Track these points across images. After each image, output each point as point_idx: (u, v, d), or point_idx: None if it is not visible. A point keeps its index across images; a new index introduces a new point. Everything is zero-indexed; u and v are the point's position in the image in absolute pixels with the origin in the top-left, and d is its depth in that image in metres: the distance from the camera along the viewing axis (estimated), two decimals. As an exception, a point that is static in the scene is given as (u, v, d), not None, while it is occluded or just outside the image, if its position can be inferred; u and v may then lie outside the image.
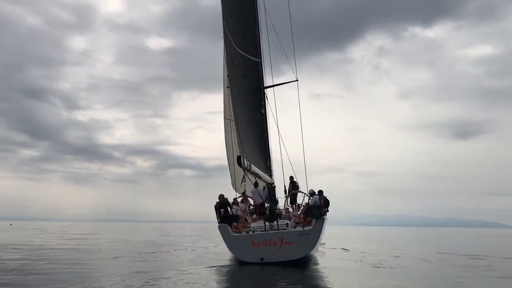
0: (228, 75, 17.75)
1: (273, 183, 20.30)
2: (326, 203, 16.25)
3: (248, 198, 17.38)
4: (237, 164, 16.48)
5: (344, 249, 22.46)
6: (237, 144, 16.86)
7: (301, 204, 17.63)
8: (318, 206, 14.12)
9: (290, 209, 18.54)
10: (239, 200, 17.58)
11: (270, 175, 20.58)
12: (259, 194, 16.65)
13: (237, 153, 17.28)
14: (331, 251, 21.39)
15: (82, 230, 56.07)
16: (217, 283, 10.38)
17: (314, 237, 13.88)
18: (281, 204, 18.19)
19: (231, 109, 19.73)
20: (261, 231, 14.29)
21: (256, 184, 17.25)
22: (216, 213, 14.98)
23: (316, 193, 15.23)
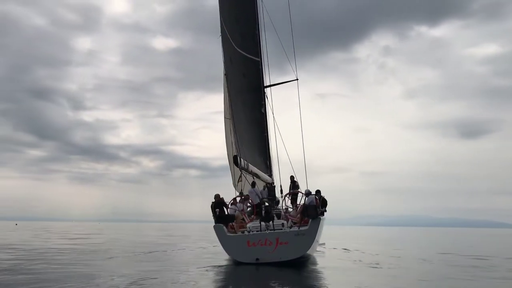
0: (225, 74, 17.55)
1: (273, 182, 20.17)
2: (323, 203, 16.06)
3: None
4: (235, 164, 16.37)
5: (345, 249, 22.31)
6: (233, 144, 16.69)
7: (298, 204, 17.42)
8: (314, 206, 13.92)
9: (290, 209, 18.34)
10: (237, 199, 17.38)
11: (270, 175, 20.43)
12: (257, 194, 16.48)
13: (233, 152, 17.11)
14: (332, 251, 21.24)
15: (86, 230, 56.22)
16: (206, 283, 10.25)
17: (310, 237, 13.70)
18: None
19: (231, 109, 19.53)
20: (257, 231, 14.14)
21: (253, 184, 17.06)
22: (212, 213, 14.83)
23: (313, 193, 15.03)
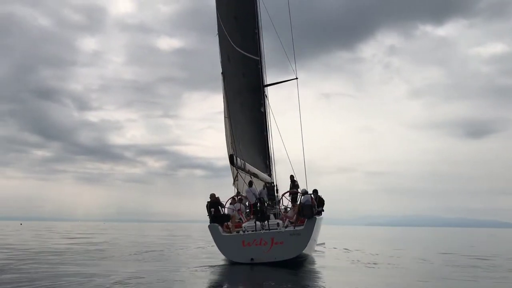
0: (222, 72, 17.40)
1: (273, 182, 20.03)
2: (320, 202, 15.90)
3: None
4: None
5: (346, 249, 22.14)
6: (230, 143, 16.55)
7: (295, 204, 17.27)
8: (310, 206, 13.73)
9: (289, 209, 18.20)
10: (236, 199, 17.25)
11: (270, 174, 20.28)
12: (254, 193, 16.34)
13: (230, 151, 16.98)
14: (331, 251, 21.12)
15: (88, 230, 56.31)
16: (192, 283, 10.15)
17: (305, 237, 13.51)
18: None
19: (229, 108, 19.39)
20: (252, 231, 14.00)
21: (250, 183, 16.91)
22: (208, 213, 14.70)
23: (310, 192, 14.86)
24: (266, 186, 19.00)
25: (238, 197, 17.01)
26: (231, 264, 13.79)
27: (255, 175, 18.59)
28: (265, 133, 19.92)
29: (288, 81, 20.66)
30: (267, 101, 20.20)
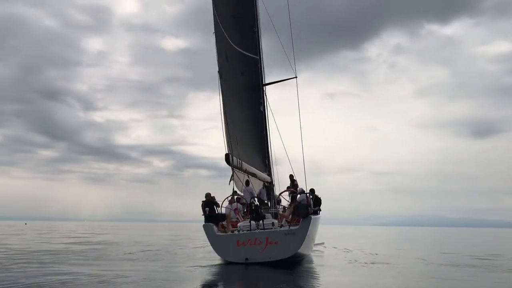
0: (218, 71, 17.24)
1: (272, 181, 19.88)
2: (317, 202, 15.74)
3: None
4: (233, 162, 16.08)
5: (347, 249, 21.96)
6: (226, 143, 16.40)
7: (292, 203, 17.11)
8: (305, 205, 13.56)
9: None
10: (234, 198, 17.13)
11: (269, 174, 20.12)
12: (251, 193, 16.19)
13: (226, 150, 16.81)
14: (331, 250, 21.00)
15: (92, 230, 56.39)
16: (178, 282, 10.07)
17: (300, 236, 13.34)
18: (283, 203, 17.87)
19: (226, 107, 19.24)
20: (247, 230, 13.85)
21: (247, 182, 16.76)
22: (203, 212, 14.58)
23: (307, 192, 14.70)
24: (265, 186, 18.86)
25: (235, 196, 16.87)
26: (226, 264, 13.66)
27: (254, 175, 18.44)
28: (265, 132, 19.79)
29: (289, 80, 20.56)
30: (266, 100, 20.08)
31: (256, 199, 15.12)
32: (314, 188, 16.13)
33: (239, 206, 16.47)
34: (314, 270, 13.26)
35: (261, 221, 13.92)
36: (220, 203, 15.42)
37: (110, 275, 10.33)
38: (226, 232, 14.30)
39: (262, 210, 15.27)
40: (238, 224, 14.65)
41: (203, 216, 14.49)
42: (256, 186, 18.65)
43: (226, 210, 15.75)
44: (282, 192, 17.64)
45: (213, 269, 12.64)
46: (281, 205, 17.76)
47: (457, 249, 25.16)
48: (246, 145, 18.87)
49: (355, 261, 15.36)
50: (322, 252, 19.81)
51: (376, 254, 18.82)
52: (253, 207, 14.10)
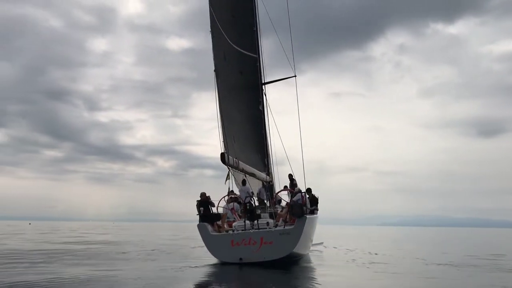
0: (214, 70, 17.04)
1: (271, 181, 19.67)
2: (313, 201, 15.52)
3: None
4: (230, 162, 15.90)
5: (347, 249, 21.80)
6: (222, 142, 16.20)
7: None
8: (300, 205, 13.34)
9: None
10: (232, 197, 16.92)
11: (268, 173, 19.91)
12: (247, 192, 15.99)
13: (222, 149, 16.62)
14: (331, 250, 20.84)
15: (94, 230, 56.38)
16: (164, 282, 9.82)
17: (295, 236, 13.12)
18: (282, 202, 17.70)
19: (224, 106, 19.07)
20: (241, 230, 13.65)
21: (244, 182, 16.56)
22: (197, 212, 14.40)
23: (303, 191, 14.47)
24: (264, 186, 18.66)
25: (231, 196, 16.67)
26: (220, 264, 13.49)
27: (252, 174, 18.24)
28: (263, 131, 19.59)
29: (289, 80, 20.39)
30: (265, 99, 19.90)
31: (251, 198, 14.95)
32: (310, 188, 15.93)
33: (236, 205, 16.28)
34: (309, 270, 13.08)
35: (256, 221, 13.71)
36: (216, 203, 15.26)
37: (97, 275, 10.17)
38: (221, 232, 14.09)
39: (259, 210, 15.10)
40: (233, 224, 14.47)
41: (198, 215, 14.32)
42: (256, 185, 18.47)
43: (223, 210, 15.57)
44: (278, 192, 17.45)
45: (206, 269, 12.46)
46: (281, 205, 17.56)
47: (460, 249, 24.93)
48: (245, 144, 18.67)
49: (353, 260, 15.21)
50: (320, 252, 19.63)
51: (376, 254, 18.62)
52: (248, 207, 13.90)
